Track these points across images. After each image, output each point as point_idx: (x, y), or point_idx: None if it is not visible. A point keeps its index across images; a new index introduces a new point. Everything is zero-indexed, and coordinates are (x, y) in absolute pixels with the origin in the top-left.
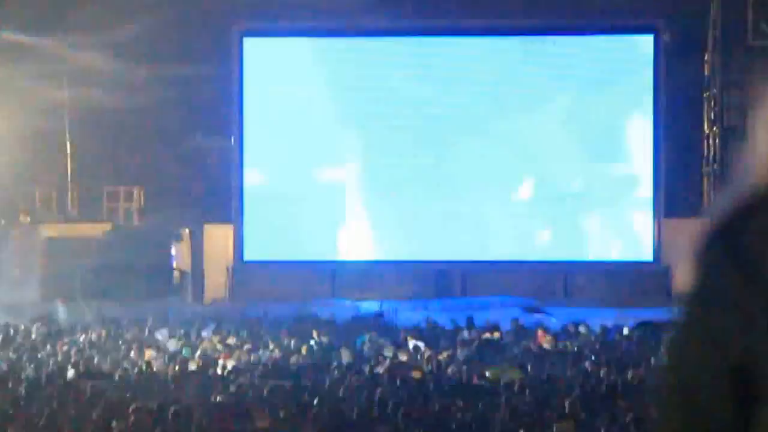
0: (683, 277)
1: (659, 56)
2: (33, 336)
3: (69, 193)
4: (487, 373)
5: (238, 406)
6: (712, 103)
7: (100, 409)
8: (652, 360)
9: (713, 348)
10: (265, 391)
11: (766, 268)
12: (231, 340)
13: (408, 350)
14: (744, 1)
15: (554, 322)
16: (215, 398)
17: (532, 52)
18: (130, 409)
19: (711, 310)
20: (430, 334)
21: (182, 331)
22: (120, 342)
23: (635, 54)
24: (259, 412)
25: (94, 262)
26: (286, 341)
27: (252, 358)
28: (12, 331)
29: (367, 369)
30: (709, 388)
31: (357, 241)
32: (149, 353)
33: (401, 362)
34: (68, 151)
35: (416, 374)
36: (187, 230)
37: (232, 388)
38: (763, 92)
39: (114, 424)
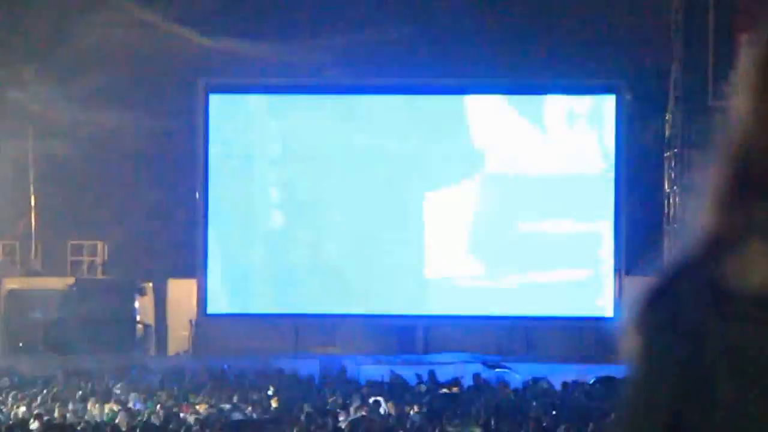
0: (626, 337)
1: (621, 116)
2: None
3: (33, 247)
4: (449, 429)
5: None
6: (673, 163)
7: None
8: (612, 415)
9: (650, 409)
10: None
11: (698, 333)
12: (193, 394)
13: (370, 404)
14: (704, 63)
15: (517, 378)
16: None
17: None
18: None
19: (647, 375)
20: (393, 389)
21: (144, 385)
22: (83, 394)
23: (597, 113)
24: None
25: (57, 315)
26: (248, 395)
27: (213, 411)
28: None
29: (330, 423)
30: None
31: (320, 295)
32: (111, 406)
33: (363, 416)
34: (32, 204)
35: (378, 428)
36: (150, 284)
37: None
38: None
39: None
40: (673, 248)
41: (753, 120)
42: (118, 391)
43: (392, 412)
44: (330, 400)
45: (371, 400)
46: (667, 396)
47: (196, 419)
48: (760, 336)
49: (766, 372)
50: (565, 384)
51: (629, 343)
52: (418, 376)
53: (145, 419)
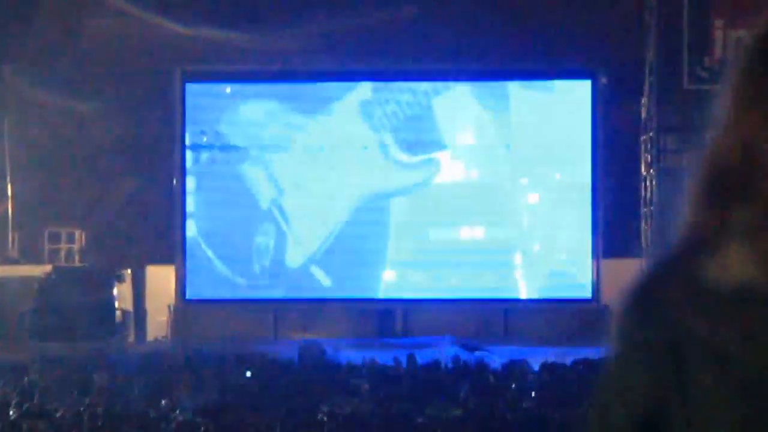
0: (607, 334)
1: (597, 100)
2: None
3: (10, 235)
4: (427, 411)
5: None
6: (649, 146)
7: None
8: (589, 399)
9: (625, 403)
10: (205, 429)
11: (677, 330)
12: (170, 379)
13: (350, 388)
14: (679, 46)
15: (496, 360)
16: None
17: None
18: None
19: (624, 366)
20: (372, 373)
21: (123, 370)
22: (62, 382)
23: (572, 98)
24: None
25: (35, 303)
26: (227, 378)
27: (191, 395)
28: None
29: (309, 407)
30: None
31: (300, 280)
32: (91, 393)
33: (343, 400)
34: (9, 193)
35: (358, 412)
36: (128, 271)
37: (173, 426)
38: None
39: None
40: (650, 231)
41: (727, 120)
42: (96, 378)
43: (372, 395)
44: (309, 385)
45: (351, 383)
46: (642, 392)
47: (175, 405)
48: (737, 334)
49: (742, 369)
50: (543, 366)
51: (609, 339)
52: (397, 359)
53: (123, 405)
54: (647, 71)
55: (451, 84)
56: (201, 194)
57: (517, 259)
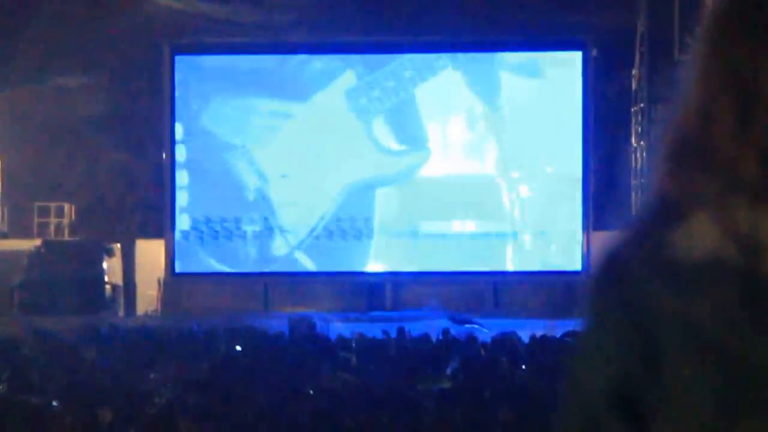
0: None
1: (588, 71)
2: None
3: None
4: (416, 384)
5: (166, 418)
6: (640, 117)
7: (33, 423)
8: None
9: (597, 378)
10: (193, 403)
11: (646, 304)
12: (160, 353)
13: (339, 361)
14: (670, 17)
15: (486, 332)
16: (144, 411)
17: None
18: (66, 422)
19: (596, 340)
20: (361, 346)
21: (112, 345)
22: (51, 356)
23: (563, 69)
24: (186, 425)
25: (25, 277)
26: (217, 352)
27: (180, 370)
28: None
29: (299, 380)
30: (599, 408)
31: (289, 253)
32: (80, 367)
33: (332, 373)
34: None
35: (347, 385)
36: (118, 245)
37: (162, 401)
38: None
39: None
40: (640, 203)
41: (687, 88)
42: (85, 352)
43: (361, 368)
44: (299, 358)
45: (341, 356)
46: (615, 366)
47: (165, 378)
48: (708, 309)
49: (715, 345)
50: (533, 338)
51: (580, 315)
52: (387, 332)
53: (112, 379)
54: (638, 42)
55: (438, 70)
56: (191, 167)
57: (508, 235)
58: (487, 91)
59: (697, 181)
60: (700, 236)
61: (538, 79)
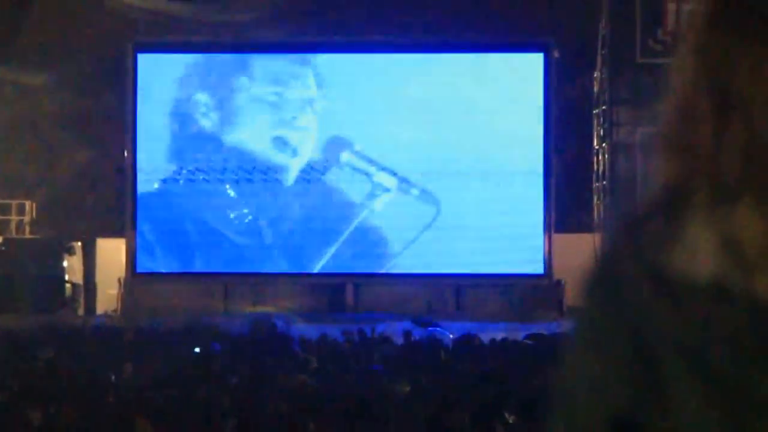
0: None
1: (549, 73)
2: None
3: None
4: (378, 386)
5: (123, 416)
6: (601, 120)
7: None
8: (542, 372)
9: (597, 397)
10: (152, 402)
11: (645, 322)
12: (119, 353)
13: (300, 363)
14: (632, 20)
15: (450, 336)
16: (103, 410)
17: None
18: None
19: (595, 358)
20: (323, 347)
21: (71, 344)
22: (9, 355)
23: (525, 72)
24: (143, 423)
25: None
26: (177, 352)
27: (140, 369)
28: None
29: (261, 382)
30: (594, 428)
31: (250, 254)
32: (38, 366)
33: (293, 375)
34: None
35: (308, 386)
36: (79, 243)
37: (121, 400)
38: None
39: None
40: (602, 205)
41: (674, 92)
42: (44, 351)
43: (322, 369)
44: (259, 359)
45: (301, 357)
46: (613, 390)
47: (124, 378)
48: (708, 334)
49: (716, 375)
50: (494, 341)
51: (572, 326)
52: (348, 334)
53: (70, 379)
54: (600, 44)
55: (396, 70)
56: (153, 166)
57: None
58: (448, 93)
59: (689, 190)
60: (697, 249)
61: (499, 81)
